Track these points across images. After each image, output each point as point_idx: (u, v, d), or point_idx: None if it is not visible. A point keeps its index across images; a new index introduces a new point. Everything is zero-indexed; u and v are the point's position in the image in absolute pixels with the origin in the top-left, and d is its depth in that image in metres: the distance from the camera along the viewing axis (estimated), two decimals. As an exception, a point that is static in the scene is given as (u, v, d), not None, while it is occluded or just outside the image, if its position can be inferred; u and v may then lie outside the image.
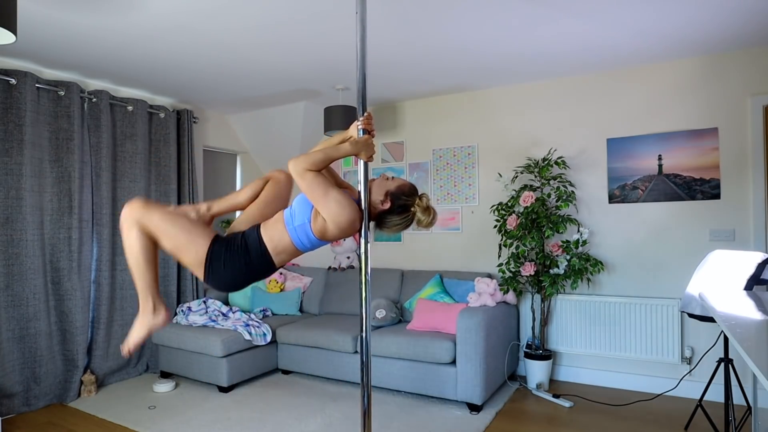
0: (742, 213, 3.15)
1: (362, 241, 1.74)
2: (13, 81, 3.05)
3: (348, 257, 4.49)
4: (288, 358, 3.77)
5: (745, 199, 3.13)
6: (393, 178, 1.80)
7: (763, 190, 3.08)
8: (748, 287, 2.31)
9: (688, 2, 2.45)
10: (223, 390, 3.45)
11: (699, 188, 3.26)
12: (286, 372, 3.87)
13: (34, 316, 3.17)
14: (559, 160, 3.47)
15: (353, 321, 3.84)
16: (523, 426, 2.84)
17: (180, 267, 4.15)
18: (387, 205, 1.75)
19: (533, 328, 3.56)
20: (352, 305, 4.17)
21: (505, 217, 3.55)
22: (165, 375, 3.81)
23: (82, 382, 3.40)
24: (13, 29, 1.82)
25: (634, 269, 3.46)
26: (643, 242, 3.43)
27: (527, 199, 3.40)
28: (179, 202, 4.17)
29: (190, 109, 4.33)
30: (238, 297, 4.32)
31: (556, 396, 3.24)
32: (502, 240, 3.57)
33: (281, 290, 4.43)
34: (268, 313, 4.19)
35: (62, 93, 3.33)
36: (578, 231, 3.39)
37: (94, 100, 3.53)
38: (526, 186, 3.54)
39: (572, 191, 3.45)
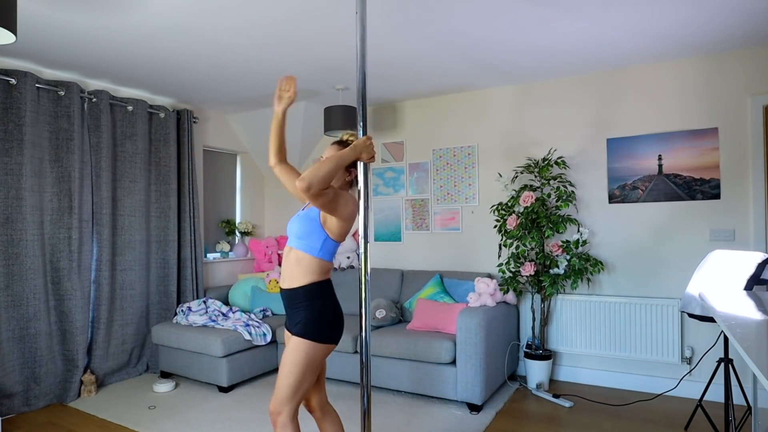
0: (742, 213, 3.15)
1: (362, 241, 1.74)
2: (13, 81, 3.05)
3: (348, 257, 4.49)
4: (288, 358, 3.76)
5: (745, 199, 3.13)
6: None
7: (763, 190, 3.08)
8: (748, 287, 2.31)
9: (688, 2, 2.45)
10: (223, 390, 3.45)
11: (699, 188, 3.26)
12: (286, 372, 3.87)
13: (34, 316, 3.17)
14: (559, 160, 3.47)
15: (353, 321, 3.84)
16: (523, 426, 2.84)
17: (180, 267, 4.15)
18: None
19: (533, 328, 3.56)
20: (351, 305, 4.17)
21: (505, 217, 3.55)
22: (165, 375, 3.81)
23: (82, 382, 3.40)
24: (13, 29, 1.82)
25: (634, 269, 3.46)
26: (643, 242, 3.43)
27: (527, 199, 3.40)
28: (179, 202, 4.17)
29: (190, 109, 4.33)
30: (238, 297, 4.32)
31: (556, 396, 3.24)
32: (502, 240, 3.57)
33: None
34: (268, 313, 4.18)
35: (62, 93, 3.33)
36: (578, 231, 3.39)
37: (94, 100, 3.53)
38: (526, 186, 3.54)
39: (572, 191, 3.45)
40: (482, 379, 3.01)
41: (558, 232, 3.35)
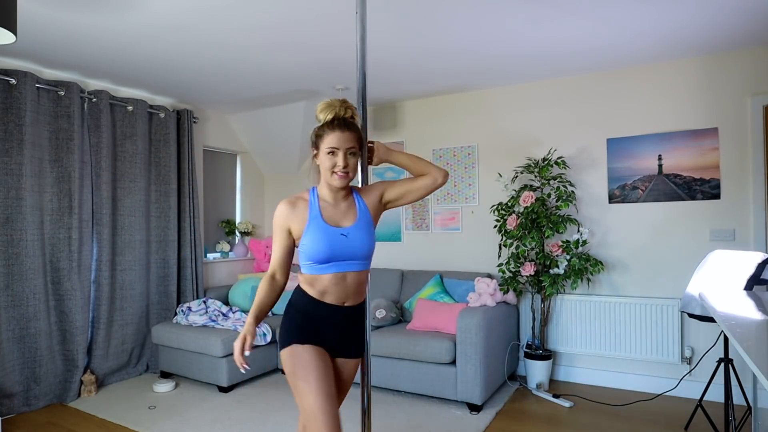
0: (742, 213, 3.15)
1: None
2: (13, 81, 3.05)
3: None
4: (288, 358, 3.76)
5: (745, 199, 3.13)
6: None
7: (763, 190, 3.08)
8: (748, 287, 2.31)
9: (688, 2, 2.45)
10: (223, 390, 3.45)
11: (699, 188, 3.26)
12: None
13: (34, 316, 3.17)
14: (559, 160, 3.47)
15: (353, 321, 3.84)
16: (523, 426, 2.84)
17: (180, 267, 4.15)
18: (315, 152, 1.66)
19: (533, 328, 3.56)
20: (352, 305, 4.17)
21: (505, 217, 3.55)
22: (165, 375, 3.81)
23: (82, 382, 3.40)
24: (13, 29, 1.82)
25: (634, 269, 3.46)
26: (643, 242, 3.43)
27: (527, 199, 3.40)
28: (179, 202, 4.17)
29: (190, 109, 4.33)
30: (238, 297, 4.32)
31: (556, 396, 3.24)
32: (502, 240, 3.57)
33: (281, 290, 4.43)
34: (269, 313, 4.18)
35: (62, 93, 3.33)
36: (578, 231, 3.39)
37: (94, 100, 3.53)
38: (526, 186, 3.54)
39: (572, 191, 3.45)
40: (482, 379, 3.01)
41: (558, 232, 3.35)
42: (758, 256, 2.36)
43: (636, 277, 3.45)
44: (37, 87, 3.20)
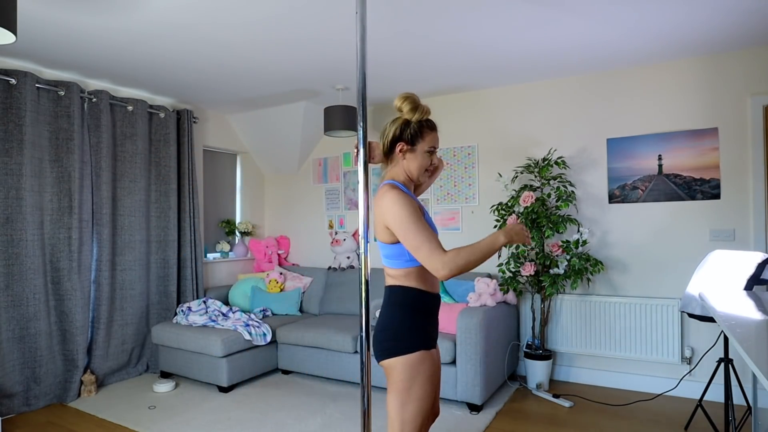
0: (742, 213, 3.15)
1: (362, 241, 1.74)
2: (13, 81, 3.05)
3: (348, 257, 4.49)
4: (288, 358, 3.77)
5: (745, 199, 3.13)
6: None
7: (763, 190, 3.08)
8: (748, 287, 2.31)
9: (688, 2, 2.45)
10: (223, 390, 3.45)
11: (699, 188, 3.26)
12: (286, 372, 3.87)
13: (34, 316, 3.17)
14: (559, 160, 3.47)
15: (353, 321, 3.84)
16: (523, 426, 2.84)
17: (180, 267, 4.15)
18: (401, 148, 1.60)
19: (533, 328, 3.56)
20: (352, 305, 4.18)
21: (505, 217, 3.55)
22: (165, 375, 3.81)
23: (82, 382, 3.40)
24: (13, 29, 1.82)
25: (634, 269, 3.46)
26: (643, 242, 3.43)
27: (527, 199, 3.40)
28: (179, 202, 4.17)
29: (190, 109, 4.33)
30: (238, 297, 4.32)
31: (556, 396, 3.24)
32: (502, 240, 3.56)
33: (281, 290, 4.44)
34: (268, 313, 4.19)
35: (62, 93, 3.33)
36: (578, 231, 3.39)
37: (94, 100, 3.53)
38: (526, 186, 3.54)
39: (572, 191, 3.45)
40: (482, 379, 3.01)
41: (558, 232, 3.35)
42: (758, 256, 2.36)
43: (636, 277, 3.45)
44: (37, 87, 3.20)
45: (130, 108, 3.76)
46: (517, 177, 3.77)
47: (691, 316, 2.50)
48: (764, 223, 3.08)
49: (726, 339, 2.51)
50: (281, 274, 4.52)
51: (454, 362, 3.09)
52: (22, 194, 3.10)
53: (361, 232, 1.74)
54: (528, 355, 3.48)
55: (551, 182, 3.62)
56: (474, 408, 3.05)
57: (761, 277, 2.32)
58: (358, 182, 1.76)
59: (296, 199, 5.04)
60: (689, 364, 3.26)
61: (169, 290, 4.03)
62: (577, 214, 3.64)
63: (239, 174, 5.07)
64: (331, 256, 4.79)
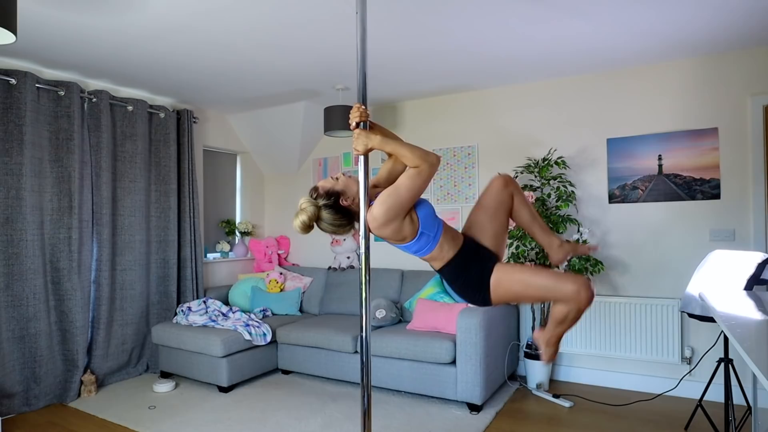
0: (742, 213, 3.15)
1: (362, 241, 1.74)
2: (13, 81, 3.05)
3: (348, 257, 4.49)
4: (288, 358, 3.77)
5: (745, 199, 3.13)
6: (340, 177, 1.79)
7: (763, 190, 3.08)
8: (748, 287, 2.31)
9: (688, 2, 2.45)
10: (223, 390, 3.45)
11: (699, 188, 3.26)
12: (286, 372, 3.87)
13: (34, 316, 3.17)
14: (559, 160, 3.47)
15: (353, 321, 3.84)
16: (523, 426, 2.84)
17: (180, 267, 4.15)
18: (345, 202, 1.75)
19: (533, 328, 3.56)
20: (352, 305, 4.17)
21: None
22: (165, 375, 3.81)
23: (82, 382, 3.40)
24: (13, 29, 1.82)
25: (634, 269, 3.46)
26: (643, 242, 3.43)
27: (527, 198, 3.40)
28: (179, 202, 4.17)
29: (190, 109, 4.33)
30: (238, 297, 4.32)
31: (556, 396, 3.24)
32: (502, 240, 3.56)
33: (281, 290, 4.44)
34: (268, 313, 4.19)
35: (62, 93, 3.33)
36: (578, 231, 3.39)
37: (94, 100, 3.53)
38: (526, 186, 3.54)
39: (572, 191, 3.45)
40: (482, 379, 3.01)
41: (558, 232, 3.35)
42: (758, 256, 2.36)
43: (636, 277, 3.45)
44: (37, 87, 3.20)
45: (130, 108, 3.76)
46: (517, 177, 3.77)
47: (691, 316, 2.50)
48: (764, 223, 3.08)
49: (726, 339, 2.51)
50: (281, 274, 4.52)
51: (454, 362, 3.09)
52: (22, 194, 3.10)
53: (361, 232, 1.74)
54: (528, 355, 3.48)
55: (551, 182, 3.62)
56: (474, 408, 3.05)
57: (761, 277, 2.32)
58: (356, 169, 1.76)
59: (296, 199, 5.04)
60: (689, 364, 3.26)
61: (169, 290, 4.03)
62: (577, 214, 3.64)
63: (239, 174, 5.07)
64: (331, 256, 4.79)
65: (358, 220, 1.77)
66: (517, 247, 3.51)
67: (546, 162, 3.51)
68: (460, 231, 1.85)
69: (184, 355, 3.64)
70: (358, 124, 1.74)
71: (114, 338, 3.68)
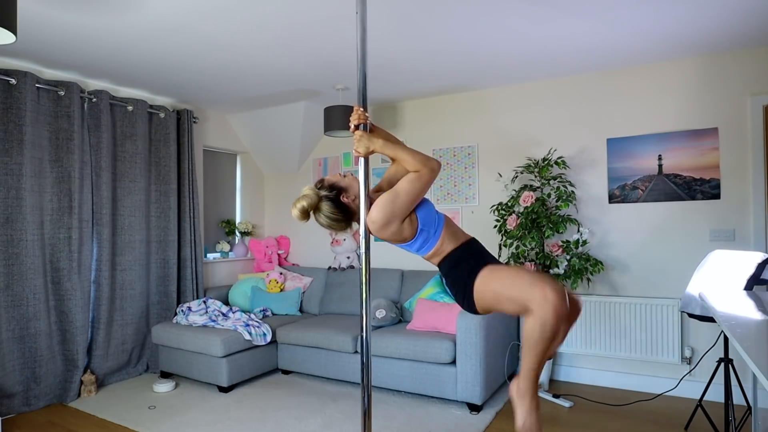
0: (742, 213, 3.15)
1: (362, 241, 1.74)
2: (13, 81, 3.05)
3: (348, 257, 4.49)
4: (288, 358, 3.77)
5: (745, 199, 3.13)
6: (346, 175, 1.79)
7: (763, 190, 3.08)
8: (748, 287, 2.31)
9: (688, 2, 2.45)
10: (223, 390, 3.45)
11: (699, 188, 3.26)
12: (286, 372, 3.87)
13: (34, 316, 3.17)
14: (559, 160, 3.47)
15: (353, 321, 3.84)
16: (523, 426, 2.84)
17: (180, 267, 4.15)
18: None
19: (533, 328, 3.55)
20: (352, 305, 4.17)
21: (505, 217, 3.55)
22: (165, 375, 3.81)
23: (82, 382, 3.40)
24: (13, 29, 1.82)
25: (634, 269, 3.46)
26: (643, 242, 3.43)
27: (527, 199, 3.40)
28: (179, 202, 4.17)
29: (190, 109, 4.33)
30: (238, 297, 4.32)
31: (556, 396, 3.24)
32: (502, 240, 3.56)
33: (281, 290, 4.44)
34: (268, 313, 4.18)
35: (62, 93, 3.33)
36: (578, 231, 3.39)
37: (94, 100, 3.53)
38: (526, 186, 3.54)
39: (572, 191, 3.45)
40: (482, 379, 3.01)
41: (558, 232, 3.35)
42: (758, 256, 2.36)
43: (636, 277, 3.45)
44: (37, 87, 3.20)
45: (130, 108, 3.76)
46: (517, 177, 3.77)
47: (691, 316, 2.50)
48: (764, 223, 3.08)
49: (726, 339, 2.51)
50: (281, 274, 4.52)
51: (454, 362, 3.09)
52: (22, 194, 3.10)
53: (361, 232, 1.74)
54: (528, 355, 3.47)
55: (551, 182, 3.62)
56: (474, 408, 3.05)
57: (761, 277, 2.32)
58: (358, 169, 1.75)
59: (296, 199, 5.03)
60: (689, 364, 3.26)
61: (169, 290, 4.03)
62: (577, 214, 3.63)
63: (239, 174, 5.07)
64: (331, 256, 4.79)
65: (357, 221, 1.77)
66: (517, 247, 3.51)
67: (546, 162, 3.51)
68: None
69: (184, 355, 3.64)
70: (357, 127, 1.74)
71: (114, 338, 3.67)
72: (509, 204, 3.58)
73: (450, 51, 3.11)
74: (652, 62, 3.37)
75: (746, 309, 1.62)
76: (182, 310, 3.85)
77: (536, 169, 3.54)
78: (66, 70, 3.37)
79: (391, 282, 4.06)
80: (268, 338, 3.69)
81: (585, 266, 3.32)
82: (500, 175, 3.68)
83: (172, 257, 4.04)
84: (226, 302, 4.36)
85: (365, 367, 1.74)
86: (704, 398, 3.18)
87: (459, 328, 3.06)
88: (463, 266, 1.66)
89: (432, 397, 3.29)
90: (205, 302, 3.94)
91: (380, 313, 3.65)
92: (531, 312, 1.43)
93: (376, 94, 4.09)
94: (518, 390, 1.53)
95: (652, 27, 2.76)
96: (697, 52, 3.18)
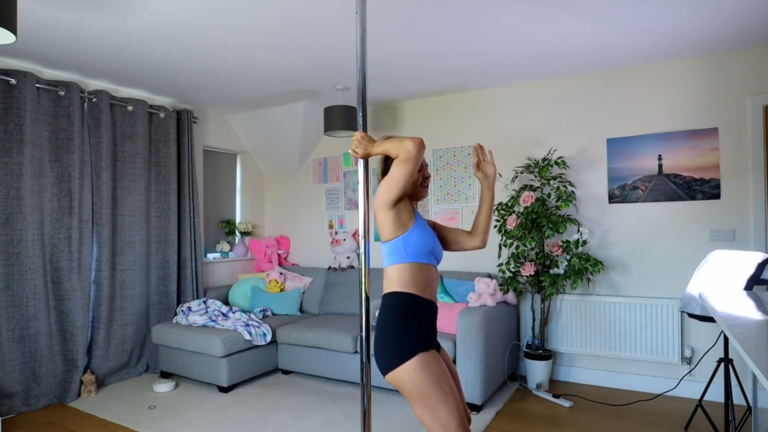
0: (742, 213, 3.15)
1: (362, 241, 1.74)
2: (13, 81, 3.05)
3: (348, 257, 4.49)
4: (288, 358, 3.77)
5: (745, 199, 3.13)
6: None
7: (763, 190, 3.08)
8: (748, 287, 2.31)
9: (688, 2, 2.45)
10: (223, 390, 3.45)
11: (699, 188, 3.26)
12: (286, 372, 3.87)
13: (34, 316, 3.17)
14: (559, 160, 3.47)
15: (353, 321, 3.84)
16: (523, 426, 2.84)
17: (180, 267, 4.15)
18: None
19: (533, 328, 3.56)
20: (352, 305, 4.17)
21: (505, 217, 3.55)
22: (165, 375, 3.81)
23: (82, 382, 3.40)
24: (13, 29, 1.82)
25: (634, 269, 3.46)
26: (643, 242, 3.43)
27: (527, 199, 3.40)
28: (179, 202, 4.17)
29: (190, 109, 4.33)
30: (238, 297, 4.32)
31: (556, 396, 3.24)
32: (502, 240, 3.57)
33: (281, 290, 4.44)
34: (268, 313, 4.18)
35: (62, 93, 3.33)
36: (578, 231, 3.39)
37: (94, 100, 3.53)
38: (526, 186, 3.54)
39: (572, 191, 3.45)
40: (482, 379, 3.01)
41: (558, 232, 3.35)
42: (758, 256, 2.36)
43: (636, 277, 3.45)
44: (37, 87, 3.20)
45: (130, 108, 3.76)
46: (517, 177, 3.77)
47: (691, 316, 2.50)
48: (764, 223, 3.08)
49: (726, 339, 2.51)
50: (281, 274, 4.52)
51: (454, 362, 3.09)
52: (22, 194, 3.10)
53: (361, 232, 1.74)
54: (528, 355, 3.48)
55: (551, 182, 3.62)
56: (474, 408, 3.05)
57: (761, 277, 2.32)
58: (358, 182, 1.76)
59: (296, 199, 5.04)
60: (689, 364, 3.26)
61: (169, 290, 4.03)
62: (577, 214, 3.64)
63: (239, 174, 5.07)
64: (331, 256, 4.79)
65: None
66: (517, 247, 3.51)
67: (546, 162, 3.51)
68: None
69: (184, 355, 3.64)
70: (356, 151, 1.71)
71: (114, 338, 3.68)
72: (509, 204, 3.58)
73: (450, 51, 3.11)
74: (653, 62, 3.37)
75: (746, 309, 1.62)
76: (182, 310, 3.85)
77: (536, 169, 3.54)
78: (66, 70, 3.37)
79: (391, 282, 4.05)
80: (268, 338, 3.69)
81: (585, 266, 3.32)
82: (500, 175, 3.68)
83: (172, 257, 4.04)
84: (226, 302, 4.36)
85: (365, 367, 1.74)
86: (704, 398, 3.18)
87: (459, 328, 3.06)
88: (397, 336, 1.55)
89: (432, 397, 3.28)
90: (205, 302, 3.94)
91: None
92: None
93: (376, 94, 4.09)
94: None
95: (652, 27, 2.76)
96: (698, 52, 3.18)
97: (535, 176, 3.61)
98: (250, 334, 3.56)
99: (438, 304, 3.47)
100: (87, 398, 3.36)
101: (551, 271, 3.42)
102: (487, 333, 3.09)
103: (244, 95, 4.08)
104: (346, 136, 4.02)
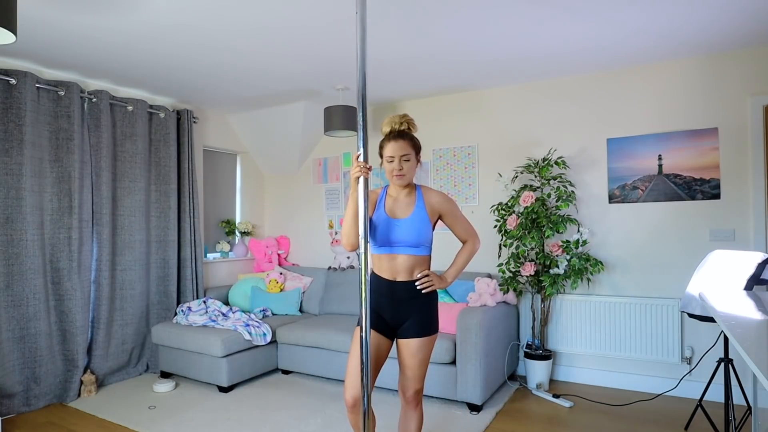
0: (742, 213, 3.15)
1: (362, 241, 1.74)
2: (13, 81, 3.05)
3: (348, 257, 4.49)
4: (288, 358, 3.77)
5: (745, 199, 3.13)
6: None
7: (763, 190, 3.08)
8: (748, 287, 2.31)
9: (688, 2, 2.45)
10: (223, 390, 3.45)
11: (699, 188, 3.26)
12: (286, 372, 3.87)
13: (34, 316, 3.17)
14: (559, 160, 3.47)
15: (353, 321, 3.84)
16: (523, 426, 2.84)
17: (180, 267, 4.15)
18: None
19: (533, 328, 3.56)
20: (352, 305, 4.17)
21: (505, 217, 3.55)
22: (165, 375, 3.81)
23: (82, 382, 3.40)
24: (13, 29, 1.82)
25: (634, 269, 3.46)
26: (643, 242, 3.43)
27: (527, 199, 3.40)
28: (179, 202, 4.17)
29: (190, 109, 4.33)
30: (238, 297, 4.32)
31: (556, 396, 3.24)
32: (502, 240, 3.57)
33: (281, 290, 4.44)
34: (268, 313, 4.19)
35: (62, 93, 3.33)
36: (578, 231, 3.39)
37: (94, 100, 3.53)
38: (526, 186, 3.54)
39: (572, 191, 3.45)
40: (482, 379, 3.01)
41: (558, 232, 3.35)
42: (758, 256, 2.36)
43: (636, 277, 3.45)
44: (37, 87, 3.20)
45: (130, 108, 3.76)
46: (517, 177, 3.77)
47: (691, 316, 2.50)
48: (764, 223, 3.08)
49: (726, 339, 2.51)
50: (281, 274, 4.53)
51: (454, 362, 3.09)
52: (22, 194, 3.10)
53: (361, 232, 1.74)
54: (528, 355, 3.48)
55: (551, 182, 3.62)
56: (474, 408, 3.05)
57: (761, 277, 2.32)
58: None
59: (296, 199, 5.05)
60: (689, 364, 3.26)
61: (169, 290, 4.03)
62: (577, 214, 3.64)
63: (239, 174, 5.07)
64: (331, 256, 4.79)
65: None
66: (517, 247, 3.51)
67: (546, 162, 3.51)
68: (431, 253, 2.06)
69: (184, 355, 3.64)
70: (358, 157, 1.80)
71: (114, 338, 3.68)
72: (509, 204, 3.58)
73: (450, 51, 3.11)
74: (652, 62, 3.37)
75: (746, 309, 1.62)
76: (182, 310, 3.85)
77: (536, 169, 3.54)
78: (66, 70, 3.37)
79: (391, 282, 4.05)
80: (268, 338, 3.69)
81: (585, 266, 3.32)
82: (500, 175, 3.68)
83: (172, 257, 4.04)
84: (226, 302, 4.36)
85: (365, 367, 1.74)
86: (704, 398, 3.18)
87: (459, 328, 3.06)
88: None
89: (432, 396, 3.29)
90: (205, 302, 3.94)
91: (380, 313, 3.64)
92: None
93: (376, 94, 4.09)
94: None
95: (652, 27, 2.76)
96: (697, 52, 3.18)
97: (535, 176, 3.61)
98: (250, 334, 3.56)
99: (438, 304, 3.47)
100: (87, 398, 3.36)
101: (551, 271, 3.42)
102: (487, 333, 3.09)
103: (244, 95, 4.08)
104: (346, 136, 4.02)
